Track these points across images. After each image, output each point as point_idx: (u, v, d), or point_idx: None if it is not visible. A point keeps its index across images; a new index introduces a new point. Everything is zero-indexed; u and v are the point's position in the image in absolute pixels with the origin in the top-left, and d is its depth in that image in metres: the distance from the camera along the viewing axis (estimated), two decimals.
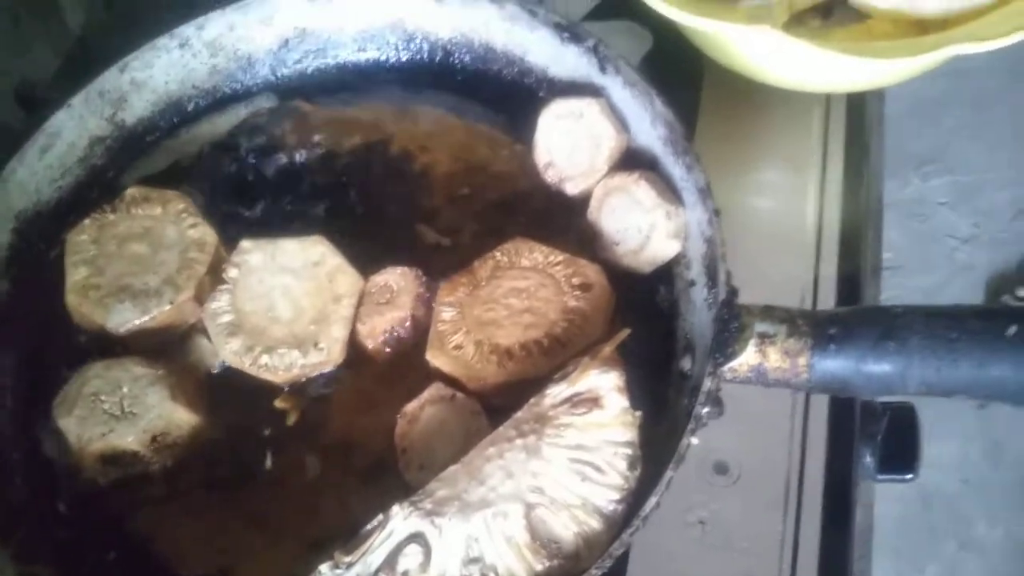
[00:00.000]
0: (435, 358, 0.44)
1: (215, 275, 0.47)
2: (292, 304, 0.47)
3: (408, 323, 0.46)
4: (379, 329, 0.46)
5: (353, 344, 0.46)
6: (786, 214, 0.58)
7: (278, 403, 0.46)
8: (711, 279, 0.43)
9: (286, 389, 0.46)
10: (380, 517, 0.37)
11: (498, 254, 0.47)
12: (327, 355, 0.45)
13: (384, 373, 0.46)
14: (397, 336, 0.46)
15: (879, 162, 0.66)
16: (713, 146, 0.61)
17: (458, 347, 0.44)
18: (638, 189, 0.46)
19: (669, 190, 0.47)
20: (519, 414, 0.39)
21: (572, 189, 0.50)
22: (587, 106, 0.49)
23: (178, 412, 0.44)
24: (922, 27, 0.56)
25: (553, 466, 0.37)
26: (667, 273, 0.47)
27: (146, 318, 0.46)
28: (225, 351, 0.46)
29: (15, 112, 0.71)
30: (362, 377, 0.46)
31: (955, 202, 1.59)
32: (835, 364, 0.38)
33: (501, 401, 0.42)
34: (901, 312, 0.38)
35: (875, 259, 0.67)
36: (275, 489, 0.44)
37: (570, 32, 0.51)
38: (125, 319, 0.46)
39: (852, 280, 0.56)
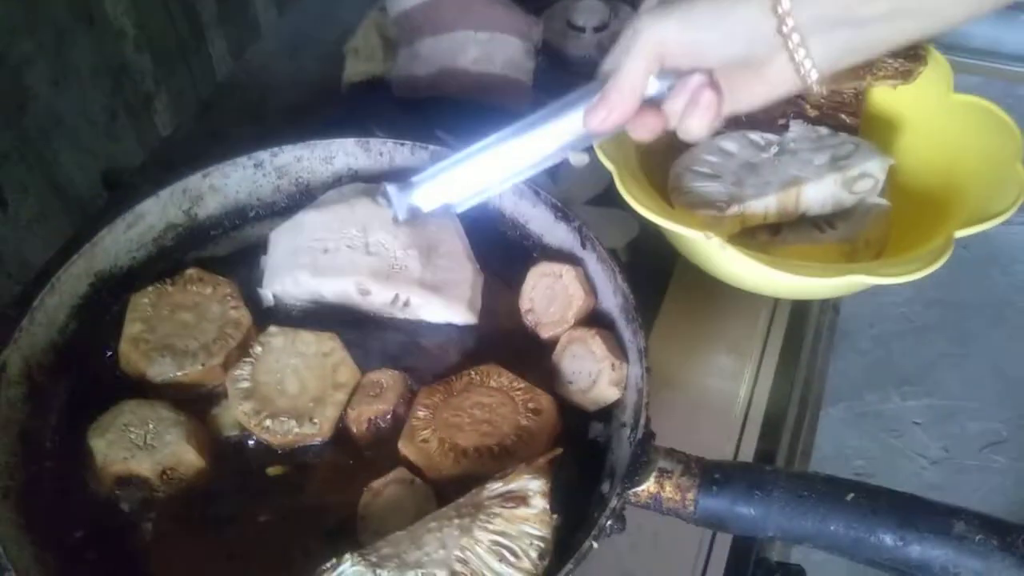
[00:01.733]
0: (404, 447, 0.54)
1: (243, 349, 0.58)
2: (299, 383, 0.57)
3: (389, 416, 0.57)
4: (364, 416, 0.56)
5: (341, 425, 0.57)
6: (721, 393, 0.68)
7: (270, 470, 0.56)
8: (636, 422, 0.53)
9: (279, 452, 0.56)
10: (334, 560, 0.46)
11: (473, 373, 0.58)
12: (318, 429, 0.56)
13: (362, 453, 0.56)
14: (378, 425, 0.56)
15: (814, 364, 0.76)
16: (673, 324, 0.72)
17: (425, 441, 0.54)
18: (593, 342, 0.57)
19: (618, 347, 0.58)
20: (461, 500, 0.49)
21: (544, 333, 0.62)
22: (566, 271, 0.61)
23: (189, 454, 0.54)
24: (850, 259, 0.68)
25: (479, 545, 0.46)
26: (607, 413, 0.57)
27: (180, 373, 0.57)
28: (238, 410, 0.56)
29: (99, 190, 0.84)
30: (343, 453, 0.56)
31: (929, 424, 1.68)
32: (715, 503, 0.47)
33: (451, 490, 0.51)
34: (770, 471, 0.48)
35: (805, 446, 0.76)
36: (255, 533, 0.53)
37: (562, 212, 0.63)
38: (163, 371, 0.57)
39: (767, 458, 0.66)
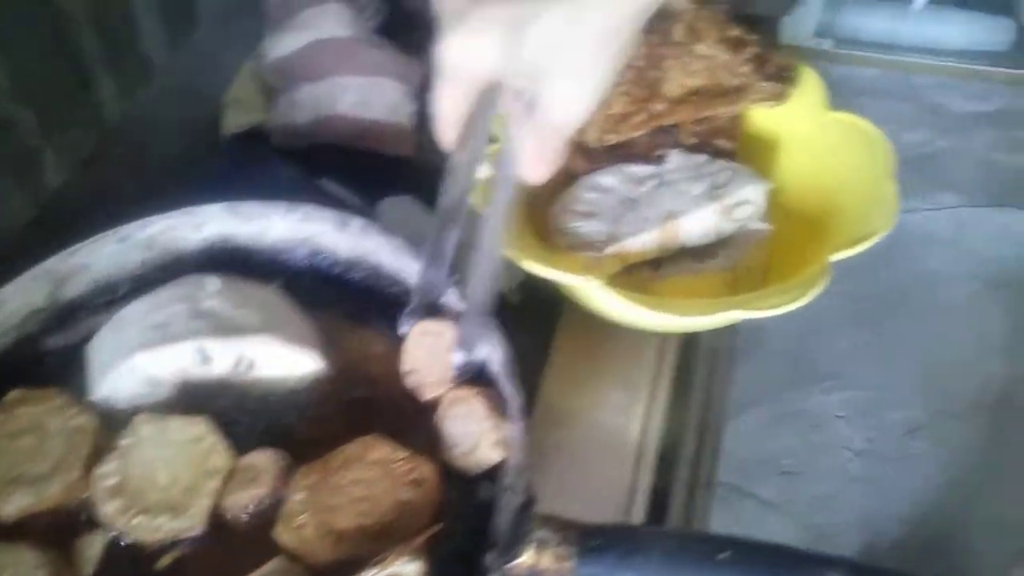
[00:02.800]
0: (280, 534, 0.52)
1: (99, 452, 0.55)
2: (170, 473, 0.55)
3: (267, 500, 0.55)
4: (240, 503, 0.54)
5: (217, 514, 0.54)
6: (615, 429, 0.68)
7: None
8: (516, 486, 0.52)
9: (156, 551, 0.53)
10: None
11: (351, 447, 0.56)
12: (191, 522, 0.53)
13: (240, 542, 0.54)
14: (255, 511, 0.54)
15: (712, 389, 0.77)
16: (566, 363, 0.72)
17: (301, 526, 0.52)
18: (475, 402, 0.56)
19: (500, 406, 0.57)
20: None
21: (426, 394, 0.60)
22: (447, 329, 0.60)
23: None
24: (733, 288, 0.68)
25: None
26: (491, 477, 0.56)
27: (38, 500, 0.53)
28: (105, 510, 0.53)
29: None
30: (220, 544, 0.54)
31: (851, 417, 1.71)
32: (594, 570, 0.47)
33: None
34: (647, 532, 0.47)
35: (708, 474, 0.76)
36: None
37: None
38: (20, 505, 0.53)
39: (664, 491, 0.66)
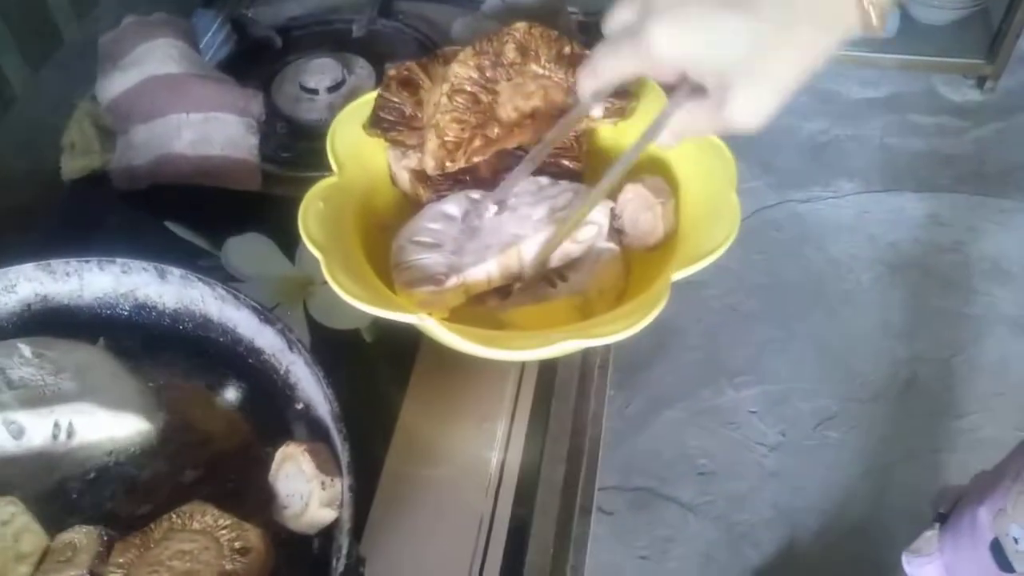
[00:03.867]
0: None
1: None
2: None
3: None
4: None
5: None
6: (474, 462, 0.66)
7: None
8: (342, 548, 0.49)
9: None
10: None
11: (174, 516, 0.52)
12: None
13: None
14: None
15: (583, 411, 0.74)
16: (423, 399, 0.70)
17: None
18: (303, 459, 0.53)
19: (332, 461, 0.54)
20: None
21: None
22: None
23: None
24: (586, 311, 0.66)
25: None
26: (327, 535, 0.53)
27: None
28: None
29: None
30: None
31: (764, 411, 1.72)
32: None
33: None
34: None
35: (584, 501, 0.74)
36: None
37: (264, 315, 0.59)
38: None
39: (526, 523, 0.64)
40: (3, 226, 0.81)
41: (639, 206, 0.67)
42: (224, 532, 0.52)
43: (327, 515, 0.52)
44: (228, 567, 0.50)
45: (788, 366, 1.78)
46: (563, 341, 0.57)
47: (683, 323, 1.81)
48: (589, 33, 0.99)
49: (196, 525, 0.52)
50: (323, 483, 0.52)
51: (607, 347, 0.83)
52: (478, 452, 0.67)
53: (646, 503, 1.60)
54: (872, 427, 1.69)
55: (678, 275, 0.61)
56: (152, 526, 0.52)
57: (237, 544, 0.51)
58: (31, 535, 0.52)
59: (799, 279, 1.90)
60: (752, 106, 0.47)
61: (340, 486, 0.53)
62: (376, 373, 0.73)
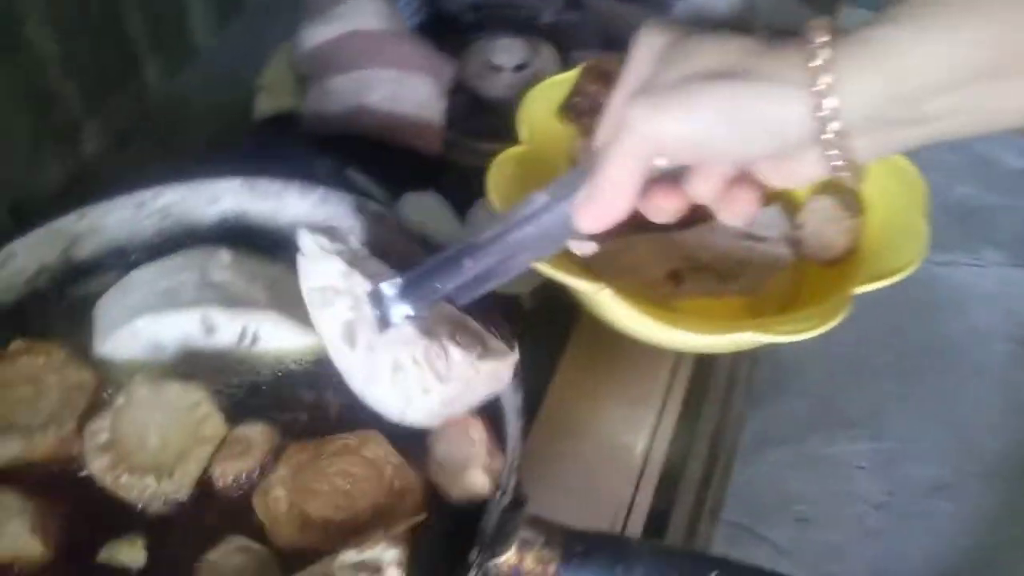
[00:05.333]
0: (257, 500, 0.51)
1: (95, 409, 0.55)
2: (161, 437, 0.54)
3: (255, 473, 0.53)
4: (229, 473, 0.53)
5: (204, 481, 0.53)
6: (619, 445, 0.66)
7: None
8: (507, 485, 0.50)
9: (139, 507, 0.52)
10: None
11: (350, 438, 0.54)
12: (177, 486, 0.52)
13: (221, 512, 0.53)
14: (242, 482, 0.53)
15: (727, 415, 0.74)
16: (576, 372, 0.70)
17: (276, 500, 0.51)
18: (473, 428, 0.54)
19: (497, 438, 0.54)
20: (311, 568, 0.46)
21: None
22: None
23: (32, 543, 0.50)
24: (752, 313, 0.66)
25: None
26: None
27: (27, 450, 0.53)
28: (94, 465, 0.53)
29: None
30: (203, 510, 0.53)
31: (873, 468, 1.66)
32: None
33: (296, 563, 0.48)
34: (636, 544, 0.45)
35: (713, 505, 0.74)
36: None
37: None
38: (6, 452, 0.53)
39: (664, 514, 0.64)
40: (194, 156, 0.86)
41: (826, 219, 0.67)
42: (390, 468, 0.53)
43: (483, 481, 0.53)
44: (383, 501, 0.51)
45: (906, 427, 1.72)
46: (742, 332, 0.57)
47: (805, 365, 1.77)
48: None
49: (367, 453, 0.53)
50: (489, 452, 0.53)
51: (753, 362, 0.82)
52: (624, 437, 0.67)
53: (738, 539, 1.56)
54: (985, 505, 1.62)
55: (860, 290, 0.61)
56: (327, 440, 0.54)
57: (397, 484, 0.52)
58: (212, 422, 0.55)
59: (929, 341, 1.84)
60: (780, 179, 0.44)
61: (502, 461, 0.53)
62: (529, 342, 0.74)
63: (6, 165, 0.79)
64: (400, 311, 0.53)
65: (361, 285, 0.54)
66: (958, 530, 1.58)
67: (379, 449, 0.54)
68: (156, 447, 0.54)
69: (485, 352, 0.54)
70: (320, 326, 0.56)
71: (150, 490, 0.52)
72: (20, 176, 0.81)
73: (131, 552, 0.51)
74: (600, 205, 0.43)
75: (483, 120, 0.88)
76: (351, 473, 0.52)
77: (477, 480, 0.53)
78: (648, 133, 0.41)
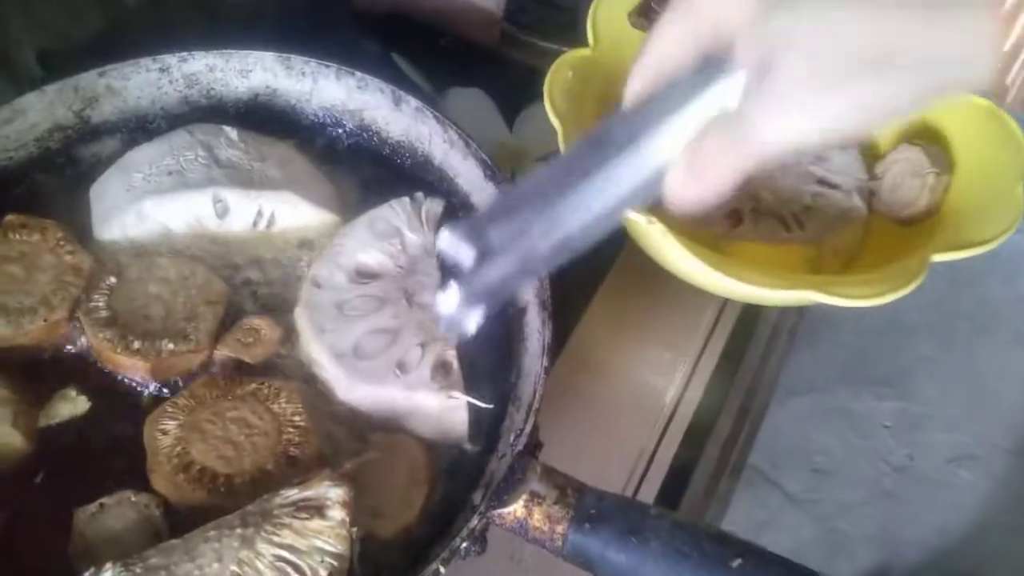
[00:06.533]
0: (145, 431, 0.46)
1: (89, 295, 0.51)
2: (165, 307, 0.51)
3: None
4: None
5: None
6: (648, 388, 0.62)
7: None
8: (520, 429, 0.45)
9: (149, 388, 0.49)
10: (93, 569, 0.39)
11: (265, 385, 0.48)
12: (195, 345, 0.49)
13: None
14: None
15: (763, 371, 0.69)
16: (610, 308, 0.65)
17: (164, 431, 0.46)
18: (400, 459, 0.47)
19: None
20: (249, 507, 0.42)
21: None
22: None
23: (13, 436, 0.46)
24: (814, 266, 0.60)
25: (260, 559, 0.39)
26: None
27: (16, 332, 0.49)
28: (98, 339, 0.49)
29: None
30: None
31: (898, 429, 1.61)
32: (585, 542, 0.41)
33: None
34: (655, 514, 0.41)
35: (738, 460, 0.70)
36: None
37: (492, 172, 0.55)
38: None
39: (687, 468, 0.60)
40: (237, 20, 0.80)
41: (908, 171, 0.60)
42: (291, 430, 0.47)
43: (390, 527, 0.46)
44: (270, 468, 0.45)
45: (936, 391, 1.66)
46: (802, 289, 0.51)
47: (840, 317, 1.70)
48: None
49: (274, 407, 0.48)
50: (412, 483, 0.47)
51: (799, 315, 0.77)
52: (654, 381, 0.63)
53: (751, 481, 1.53)
54: (1008, 480, 1.57)
55: (939, 257, 0.55)
56: (243, 380, 0.49)
57: (293, 450, 0.46)
58: (214, 285, 0.52)
59: (974, 307, 1.75)
60: (805, 122, 0.33)
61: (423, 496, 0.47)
62: (563, 271, 0.69)
63: (46, 8, 0.73)
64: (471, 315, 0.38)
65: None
66: (976, 503, 1.54)
67: (289, 405, 0.48)
68: (162, 316, 0.50)
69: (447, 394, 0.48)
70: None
71: (167, 351, 0.48)
72: (60, 21, 0.76)
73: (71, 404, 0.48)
74: (697, 193, 0.36)
75: (549, 14, 0.81)
76: (250, 424, 0.47)
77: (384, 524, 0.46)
78: (776, 140, 0.34)
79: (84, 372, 0.50)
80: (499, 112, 0.73)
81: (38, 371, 0.50)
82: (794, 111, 0.33)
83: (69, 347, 0.50)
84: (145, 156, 0.55)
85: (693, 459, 0.61)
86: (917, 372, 1.68)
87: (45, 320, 0.49)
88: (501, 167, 0.70)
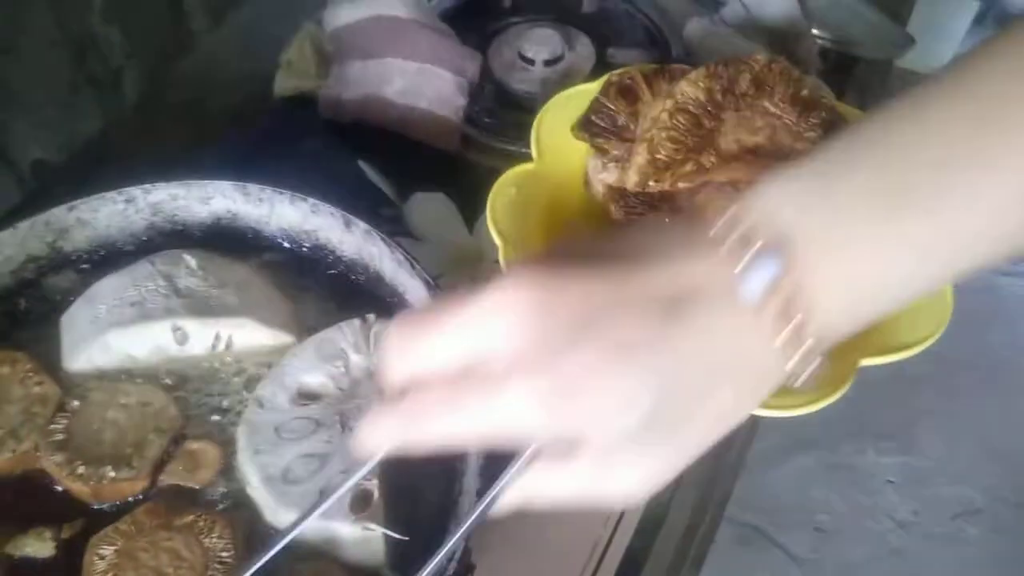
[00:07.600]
0: (86, 555, 0.48)
1: (54, 417, 0.54)
2: (117, 432, 0.54)
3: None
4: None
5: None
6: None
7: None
8: (455, 552, 0.47)
9: (93, 507, 0.52)
10: None
11: (204, 516, 0.50)
12: (136, 473, 0.52)
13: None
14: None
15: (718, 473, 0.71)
16: None
17: (101, 557, 0.48)
18: None
19: None
20: None
21: None
22: None
23: None
24: None
25: None
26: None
27: None
28: (48, 462, 0.52)
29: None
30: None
31: (902, 484, 1.61)
32: None
33: None
34: None
35: (703, 539, 0.71)
36: None
37: (432, 290, 0.58)
38: None
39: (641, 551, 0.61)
40: (211, 128, 0.84)
41: None
42: (216, 567, 0.48)
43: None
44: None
45: (941, 444, 1.65)
46: None
47: None
48: (828, 61, 0.93)
49: (206, 541, 0.49)
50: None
51: (753, 426, 0.78)
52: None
53: (752, 542, 1.53)
54: (1016, 535, 1.55)
55: (868, 361, 0.57)
56: (184, 510, 0.50)
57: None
58: (168, 414, 0.55)
59: (976, 356, 1.75)
60: (643, 476, 0.35)
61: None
62: None
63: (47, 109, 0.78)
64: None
65: None
66: (984, 558, 1.53)
67: (220, 541, 0.49)
68: (113, 441, 0.53)
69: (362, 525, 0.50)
70: None
71: (108, 479, 0.51)
72: (61, 120, 0.81)
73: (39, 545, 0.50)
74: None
75: (508, 116, 0.85)
76: (180, 556, 0.48)
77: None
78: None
79: (51, 495, 0.52)
80: (460, 215, 0.76)
81: (3, 498, 0.52)
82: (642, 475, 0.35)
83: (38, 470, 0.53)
84: (110, 287, 0.59)
85: (648, 547, 0.63)
86: (920, 425, 1.68)
87: (13, 451, 0.52)
88: (456, 268, 0.73)
